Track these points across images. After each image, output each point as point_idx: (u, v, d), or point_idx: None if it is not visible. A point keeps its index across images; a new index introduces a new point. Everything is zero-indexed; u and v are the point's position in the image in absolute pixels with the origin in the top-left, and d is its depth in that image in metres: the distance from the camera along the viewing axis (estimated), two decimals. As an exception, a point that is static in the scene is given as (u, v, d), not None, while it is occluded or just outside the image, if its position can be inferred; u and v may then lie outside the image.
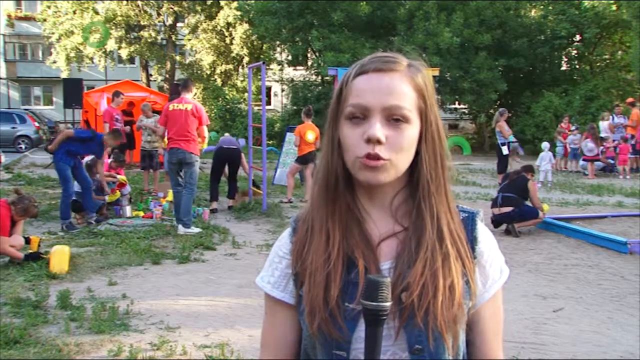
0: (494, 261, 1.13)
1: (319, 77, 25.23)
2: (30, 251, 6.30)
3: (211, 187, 9.85)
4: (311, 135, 10.22)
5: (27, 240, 6.38)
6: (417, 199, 1.08)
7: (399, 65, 1.07)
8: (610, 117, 16.28)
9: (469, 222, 1.13)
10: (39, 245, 6.49)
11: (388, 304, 0.95)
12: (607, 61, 25.11)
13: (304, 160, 10.46)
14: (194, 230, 7.82)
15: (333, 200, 1.10)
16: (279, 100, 34.39)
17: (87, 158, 9.38)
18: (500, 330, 1.15)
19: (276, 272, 1.16)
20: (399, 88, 1.05)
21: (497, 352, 1.14)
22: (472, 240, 1.11)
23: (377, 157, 1.02)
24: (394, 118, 1.04)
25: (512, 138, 12.27)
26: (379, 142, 1.02)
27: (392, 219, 1.10)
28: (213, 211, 9.40)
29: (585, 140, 15.17)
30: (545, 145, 13.40)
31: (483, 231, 1.13)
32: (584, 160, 15.31)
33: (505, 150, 12.07)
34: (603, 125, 16.03)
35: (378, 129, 1.02)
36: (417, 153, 1.08)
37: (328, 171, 1.11)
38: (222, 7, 29.40)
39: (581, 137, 15.61)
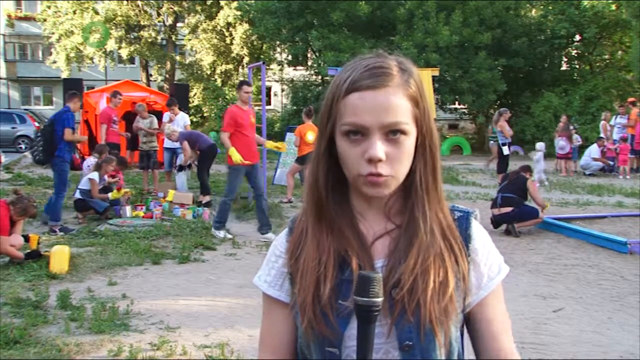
0: (489, 259, 1.13)
1: (319, 77, 25.25)
2: (30, 250, 6.31)
3: (205, 182, 10.17)
4: (311, 135, 10.23)
5: (26, 239, 6.39)
6: (411, 198, 1.09)
7: (391, 78, 1.05)
8: (614, 117, 16.29)
9: (464, 221, 1.14)
10: (38, 243, 6.50)
11: (379, 299, 0.95)
12: (607, 61, 25.13)
13: (304, 160, 10.47)
14: (219, 234, 7.68)
15: (325, 201, 1.11)
16: (279, 100, 34.40)
17: (91, 159, 9.41)
18: (508, 327, 1.14)
19: (272, 271, 1.17)
20: (395, 103, 1.03)
21: (507, 348, 1.11)
22: (466, 238, 1.12)
23: (380, 175, 1.03)
24: (393, 135, 1.04)
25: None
26: (379, 160, 1.03)
27: (385, 218, 1.11)
28: (207, 204, 9.68)
29: (558, 138, 15.36)
30: (539, 145, 13.47)
31: (477, 229, 1.14)
32: (557, 158, 15.61)
33: (506, 150, 12.07)
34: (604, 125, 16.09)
35: (379, 148, 1.02)
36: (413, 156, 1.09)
37: (320, 174, 1.11)
38: (222, 7, 29.39)
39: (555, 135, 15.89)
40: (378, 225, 1.11)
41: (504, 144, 12.01)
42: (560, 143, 15.24)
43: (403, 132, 1.04)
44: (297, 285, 1.09)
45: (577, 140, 15.94)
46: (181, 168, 10.52)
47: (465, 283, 1.09)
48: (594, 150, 15.29)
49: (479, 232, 1.14)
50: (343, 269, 1.07)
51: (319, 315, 1.05)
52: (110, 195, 8.90)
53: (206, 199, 10.00)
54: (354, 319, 1.01)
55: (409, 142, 1.06)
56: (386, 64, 1.07)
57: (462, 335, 1.12)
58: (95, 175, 8.83)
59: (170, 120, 11.10)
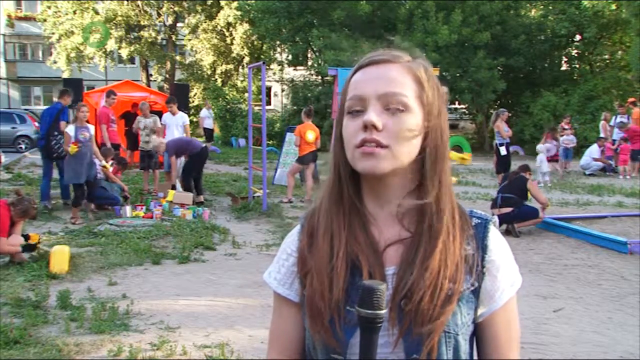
0: (504, 271, 1.09)
1: (319, 77, 25.26)
2: (26, 243, 6.29)
3: (195, 183, 10.21)
4: (311, 135, 10.23)
5: (27, 238, 6.36)
6: (421, 202, 1.05)
7: (397, 58, 1.06)
8: (614, 117, 16.25)
9: (481, 229, 1.09)
10: (38, 242, 6.49)
11: (383, 311, 0.93)
12: (607, 61, 25.14)
13: (304, 160, 10.47)
14: None
15: (338, 202, 1.09)
16: (279, 100, 34.39)
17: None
18: (517, 340, 1.12)
19: (282, 269, 1.15)
20: (395, 76, 1.03)
21: None
22: (483, 248, 1.08)
23: (375, 142, 1.00)
24: (393, 107, 1.02)
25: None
26: (375, 127, 1.00)
27: (398, 223, 1.08)
28: (200, 203, 9.80)
29: (546, 141, 14.85)
30: (540, 147, 13.40)
31: (495, 239, 1.10)
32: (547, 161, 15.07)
33: (503, 150, 12.07)
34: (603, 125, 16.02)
35: (374, 115, 1.01)
36: (422, 150, 1.05)
37: (333, 169, 1.10)
38: (222, 7, 29.41)
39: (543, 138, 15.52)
40: (391, 230, 1.07)
41: (501, 145, 12.02)
42: (547, 145, 14.64)
43: (404, 107, 1.02)
44: (308, 287, 1.07)
45: (564, 142, 15.52)
46: (173, 187, 10.27)
47: (478, 295, 1.06)
48: (594, 150, 15.26)
49: (497, 242, 1.10)
50: (354, 275, 1.04)
51: (326, 321, 1.03)
52: (69, 149, 8.00)
53: (200, 198, 10.05)
54: None
55: (411, 119, 1.02)
56: (396, 50, 1.08)
57: (471, 347, 1.10)
58: (70, 129, 8.23)
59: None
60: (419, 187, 1.07)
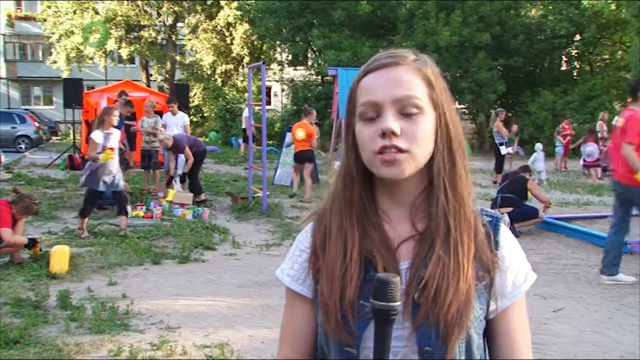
0: (515, 267, 1.11)
1: (319, 77, 25.26)
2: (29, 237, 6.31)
3: (197, 183, 10.33)
4: (300, 132, 10.31)
5: (34, 243, 6.32)
6: (434, 197, 1.06)
7: (404, 59, 1.06)
8: (614, 117, 16.18)
9: (492, 226, 1.11)
10: (40, 250, 6.45)
11: (397, 303, 0.94)
12: (607, 61, 25.15)
13: (298, 158, 10.59)
14: (623, 278, 5.89)
15: (350, 201, 1.10)
16: (279, 100, 34.37)
17: None
18: (528, 337, 1.13)
19: (295, 265, 1.16)
20: (407, 79, 1.03)
21: (524, 358, 1.11)
22: (495, 245, 1.09)
23: (395, 148, 1.00)
24: (408, 110, 1.02)
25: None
26: (394, 134, 1.00)
27: (412, 221, 1.09)
28: (202, 203, 9.85)
29: (586, 144, 14.15)
30: (538, 146, 13.35)
31: (506, 236, 1.12)
32: (584, 165, 14.36)
33: (503, 150, 12.08)
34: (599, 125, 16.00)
35: (392, 121, 1.01)
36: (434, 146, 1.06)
37: (345, 172, 1.11)
38: (222, 7, 29.41)
39: (581, 140, 14.92)
40: (404, 227, 1.09)
41: (500, 144, 12.04)
42: (587, 150, 13.87)
43: (419, 109, 1.02)
44: (321, 284, 1.08)
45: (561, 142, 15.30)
46: (184, 177, 10.25)
47: (490, 290, 1.08)
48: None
49: (508, 239, 1.12)
50: (368, 270, 1.05)
51: (340, 317, 1.04)
52: (100, 157, 7.31)
53: (201, 197, 10.09)
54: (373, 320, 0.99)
55: (425, 121, 1.03)
56: (401, 51, 1.09)
57: (484, 343, 1.11)
58: (97, 135, 7.40)
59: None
60: (432, 182, 1.08)
